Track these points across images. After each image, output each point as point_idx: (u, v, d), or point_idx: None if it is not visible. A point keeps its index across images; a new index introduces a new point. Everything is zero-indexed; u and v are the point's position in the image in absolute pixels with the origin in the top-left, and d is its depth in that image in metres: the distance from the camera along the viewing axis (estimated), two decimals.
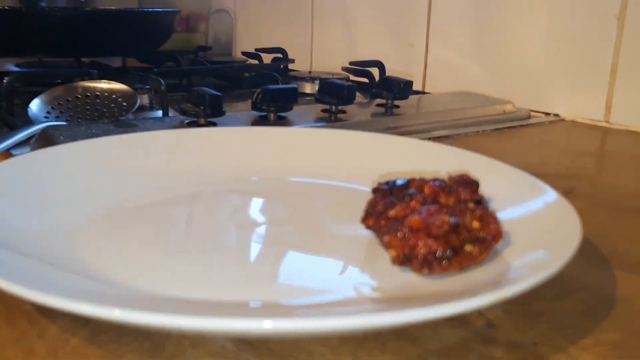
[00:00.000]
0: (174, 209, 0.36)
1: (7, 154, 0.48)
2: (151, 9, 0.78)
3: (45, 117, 0.60)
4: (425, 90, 0.88)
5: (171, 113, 0.62)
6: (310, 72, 1.11)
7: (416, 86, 0.91)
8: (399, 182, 0.32)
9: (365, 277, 0.28)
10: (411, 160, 0.41)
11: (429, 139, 0.60)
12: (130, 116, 0.60)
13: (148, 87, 0.66)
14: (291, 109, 0.58)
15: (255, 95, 0.57)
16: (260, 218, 0.36)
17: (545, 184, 0.34)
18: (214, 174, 0.41)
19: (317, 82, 0.79)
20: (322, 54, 1.10)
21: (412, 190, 0.31)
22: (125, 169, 0.40)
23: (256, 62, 0.95)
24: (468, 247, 0.27)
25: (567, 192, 0.43)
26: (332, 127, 0.57)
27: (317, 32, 1.10)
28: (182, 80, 0.76)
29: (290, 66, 1.05)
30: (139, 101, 0.61)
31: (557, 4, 0.71)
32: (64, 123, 0.55)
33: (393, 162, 0.41)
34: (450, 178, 0.32)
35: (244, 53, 1.04)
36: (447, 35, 0.86)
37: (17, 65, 0.83)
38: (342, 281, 0.27)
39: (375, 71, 0.86)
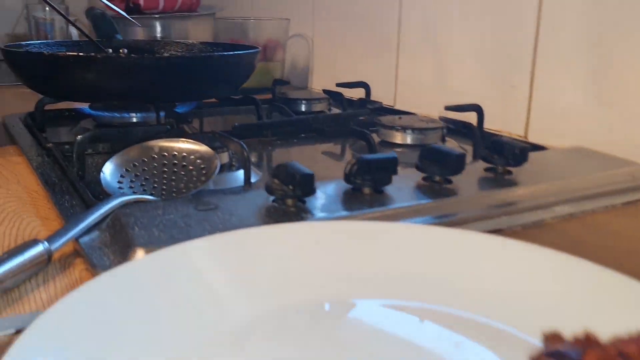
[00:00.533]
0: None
1: (76, 243, 0.42)
2: (232, 52, 0.72)
3: (119, 182, 0.55)
4: (528, 140, 0.78)
5: (253, 175, 0.56)
6: (393, 106, 1.03)
7: (516, 129, 0.82)
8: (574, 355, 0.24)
9: None
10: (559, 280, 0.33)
11: (553, 218, 0.51)
12: (210, 184, 0.54)
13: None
14: (389, 181, 0.51)
15: (349, 166, 0.50)
16: None
17: None
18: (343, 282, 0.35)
19: (410, 132, 0.72)
20: (407, 87, 1.02)
21: None
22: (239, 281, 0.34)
23: (339, 111, 0.87)
24: None
25: None
26: (441, 205, 0.49)
27: (403, 63, 1.02)
28: (264, 131, 0.70)
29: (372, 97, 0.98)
30: (219, 166, 0.55)
31: None
32: (137, 197, 0.49)
33: (525, 285, 0.33)
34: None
35: (325, 91, 0.97)
36: (556, 75, 0.76)
37: (90, 107, 0.79)
38: None
39: (472, 116, 0.78)
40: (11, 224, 0.49)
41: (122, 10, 1.31)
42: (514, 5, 0.81)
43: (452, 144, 0.75)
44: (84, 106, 0.79)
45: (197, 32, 1.34)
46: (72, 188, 0.54)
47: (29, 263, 0.38)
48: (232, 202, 0.47)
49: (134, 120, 0.79)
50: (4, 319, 0.34)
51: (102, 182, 0.53)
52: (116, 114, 0.78)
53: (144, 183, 0.56)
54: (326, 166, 0.67)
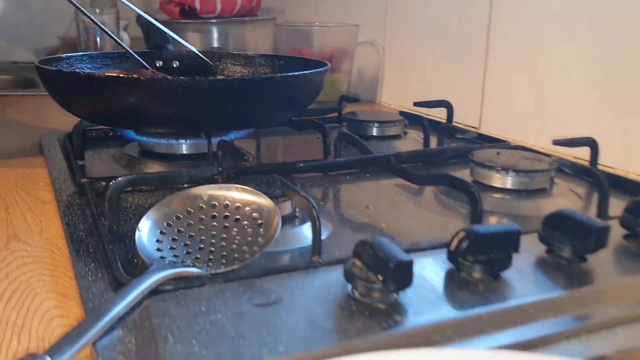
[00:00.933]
0: None
1: (93, 349, 0.32)
2: (298, 73, 0.60)
3: (158, 240, 0.44)
4: None
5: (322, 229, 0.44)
6: (477, 129, 0.89)
7: (634, 168, 0.67)
8: None
9: None
10: None
11: None
12: (269, 247, 0.42)
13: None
14: (509, 264, 0.38)
15: (455, 241, 0.37)
16: None
17: None
18: None
19: (511, 173, 0.58)
20: (496, 107, 0.88)
21: None
22: None
23: (419, 138, 0.74)
24: None
25: None
26: (576, 297, 0.36)
27: (491, 78, 0.88)
28: (334, 171, 0.58)
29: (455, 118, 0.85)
30: (280, 225, 0.44)
31: None
32: (178, 271, 0.38)
33: None
34: None
35: (402, 113, 0.85)
36: None
37: (135, 131, 0.69)
38: None
39: (584, 151, 0.64)
40: (20, 301, 0.38)
41: (177, 14, 1.22)
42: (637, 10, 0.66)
43: (561, 188, 0.61)
44: (129, 131, 0.69)
45: (257, 38, 1.23)
46: (101, 252, 0.43)
47: None
48: (299, 290, 0.36)
49: (183, 147, 0.68)
50: None
51: (138, 245, 0.42)
52: (162, 141, 0.68)
53: (188, 242, 0.45)
54: (411, 213, 0.54)
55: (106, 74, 0.55)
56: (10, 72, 1.44)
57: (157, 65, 0.82)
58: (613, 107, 0.69)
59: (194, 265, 0.42)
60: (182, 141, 0.68)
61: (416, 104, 0.85)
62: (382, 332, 0.32)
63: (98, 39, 1.13)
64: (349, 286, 0.35)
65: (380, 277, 0.34)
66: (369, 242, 0.35)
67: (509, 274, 0.38)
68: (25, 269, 0.43)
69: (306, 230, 0.49)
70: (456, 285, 0.37)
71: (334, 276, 0.37)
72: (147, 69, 0.74)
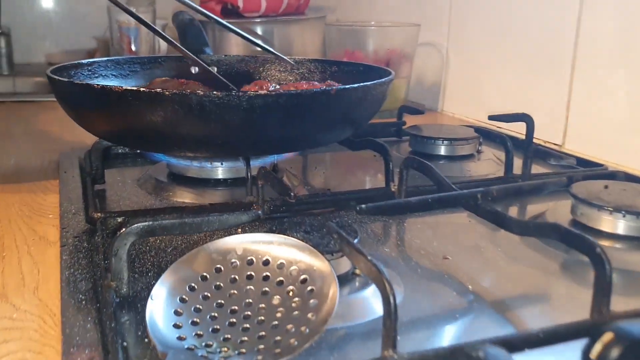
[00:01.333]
0: None
1: None
2: (358, 85, 0.49)
3: (177, 312, 0.34)
4: None
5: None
6: (561, 146, 0.76)
7: None
8: None
9: None
10: None
11: None
12: (323, 329, 0.31)
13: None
14: None
15: (599, 346, 0.26)
16: None
17: None
18: None
19: (628, 217, 0.45)
20: (585, 122, 0.74)
21: None
22: None
23: (500, 170, 0.61)
24: None
25: None
26: None
27: (580, 88, 0.75)
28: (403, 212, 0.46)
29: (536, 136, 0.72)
30: (338, 296, 0.32)
31: None
32: None
33: None
34: None
35: (477, 130, 0.72)
36: None
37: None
38: None
39: None
40: None
41: (219, 13, 1.12)
42: None
43: None
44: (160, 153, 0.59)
45: (304, 39, 1.11)
46: (101, 330, 0.32)
47: None
48: None
49: (218, 171, 0.58)
50: None
51: (149, 324, 0.32)
52: (195, 164, 0.57)
53: (215, 314, 0.34)
54: (504, 268, 0.42)
55: (125, 87, 0.45)
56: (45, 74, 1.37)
57: (193, 71, 0.72)
58: None
59: (220, 352, 0.32)
60: (217, 164, 0.57)
61: (491, 118, 0.72)
62: None
63: (133, 40, 1.04)
64: None
65: None
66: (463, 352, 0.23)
67: None
68: (4, 349, 0.33)
69: (370, 296, 0.38)
70: None
71: None
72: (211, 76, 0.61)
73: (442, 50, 1.00)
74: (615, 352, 0.25)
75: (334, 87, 0.48)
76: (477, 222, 0.50)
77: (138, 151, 0.67)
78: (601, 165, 0.66)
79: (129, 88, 0.45)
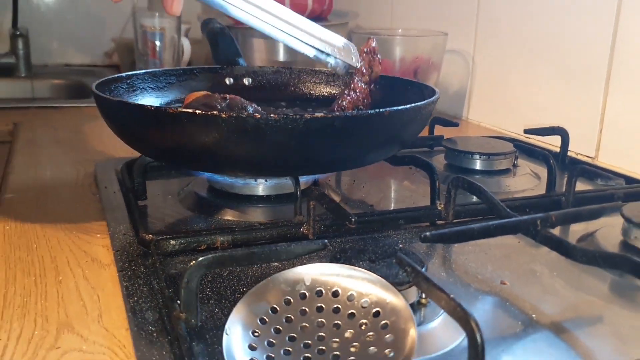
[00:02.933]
0: None
1: None
2: (410, 107, 0.48)
3: (251, 347, 0.34)
4: None
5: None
6: (594, 159, 0.76)
7: None
8: None
9: None
10: None
11: None
12: None
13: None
14: None
15: None
16: None
17: None
18: None
19: None
20: (619, 135, 0.74)
21: None
22: None
23: (540, 186, 0.61)
24: None
25: None
26: None
27: (614, 101, 0.75)
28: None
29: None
30: (417, 337, 0.32)
31: None
32: None
33: None
34: None
35: (516, 144, 0.72)
36: None
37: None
38: None
39: None
40: None
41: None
42: None
43: None
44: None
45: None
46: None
47: None
48: None
49: (260, 188, 0.57)
50: None
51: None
52: (239, 181, 0.57)
53: (289, 349, 0.34)
54: (565, 296, 0.42)
55: (180, 109, 0.44)
56: (63, 76, 1.36)
57: (228, 82, 0.72)
58: None
59: None
60: (261, 180, 0.57)
61: (527, 132, 0.72)
62: None
63: (158, 45, 1.03)
64: None
65: None
66: None
67: None
68: None
69: (439, 327, 0.38)
70: None
71: None
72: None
73: (467, 57, 1.00)
74: None
75: (387, 110, 0.48)
76: (526, 243, 0.50)
77: None
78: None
79: (185, 110, 0.45)
